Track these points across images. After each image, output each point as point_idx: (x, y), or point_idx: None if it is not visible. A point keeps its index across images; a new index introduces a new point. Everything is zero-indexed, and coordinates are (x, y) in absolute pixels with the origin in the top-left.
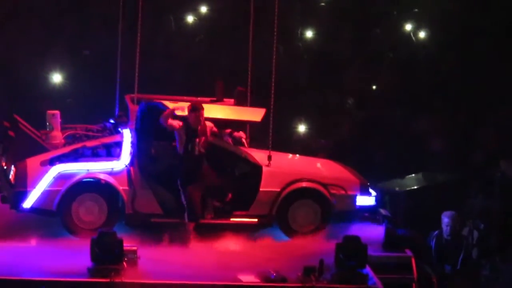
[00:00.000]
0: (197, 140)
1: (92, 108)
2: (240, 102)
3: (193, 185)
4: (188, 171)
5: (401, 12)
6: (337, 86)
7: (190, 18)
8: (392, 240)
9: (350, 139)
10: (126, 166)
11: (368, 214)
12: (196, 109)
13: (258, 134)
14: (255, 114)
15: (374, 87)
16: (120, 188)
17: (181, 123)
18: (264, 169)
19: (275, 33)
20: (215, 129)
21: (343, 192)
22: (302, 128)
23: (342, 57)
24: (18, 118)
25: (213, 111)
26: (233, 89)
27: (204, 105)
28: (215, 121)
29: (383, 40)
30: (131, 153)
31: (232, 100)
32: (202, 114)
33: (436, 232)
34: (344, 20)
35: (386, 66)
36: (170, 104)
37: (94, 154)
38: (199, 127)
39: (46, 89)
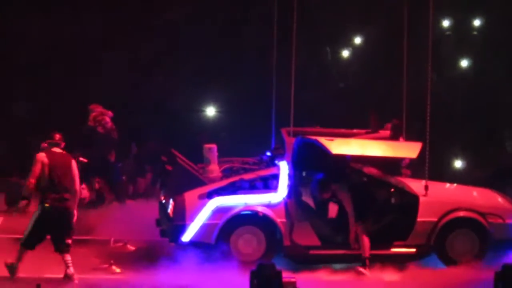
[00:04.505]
0: None
1: (248, 141)
2: (396, 134)
3: None
4: None
5: None
6: (493, 115)
7: (344, 49)
8: None
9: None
10: (284, 198)
11: None
12: None
13: (415, 164)
14: (411, 150)
15: None
16: (278, 220)
17: None
18: (421, 199)
19: (430, 64)
20: None
21: (500, 221)
22: (459, 158)
23: (497, 86)
24: (176, 153)
25: (370, 148)
26: (389, 119)
27: (362, 142)
28: (372, 158)
29: None
30: (288, 185)
31: (387, 132)
32: None
33: None
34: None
35: None
36: (325, 142)
37: (252, 187)
38: None
39: (202, 123)
